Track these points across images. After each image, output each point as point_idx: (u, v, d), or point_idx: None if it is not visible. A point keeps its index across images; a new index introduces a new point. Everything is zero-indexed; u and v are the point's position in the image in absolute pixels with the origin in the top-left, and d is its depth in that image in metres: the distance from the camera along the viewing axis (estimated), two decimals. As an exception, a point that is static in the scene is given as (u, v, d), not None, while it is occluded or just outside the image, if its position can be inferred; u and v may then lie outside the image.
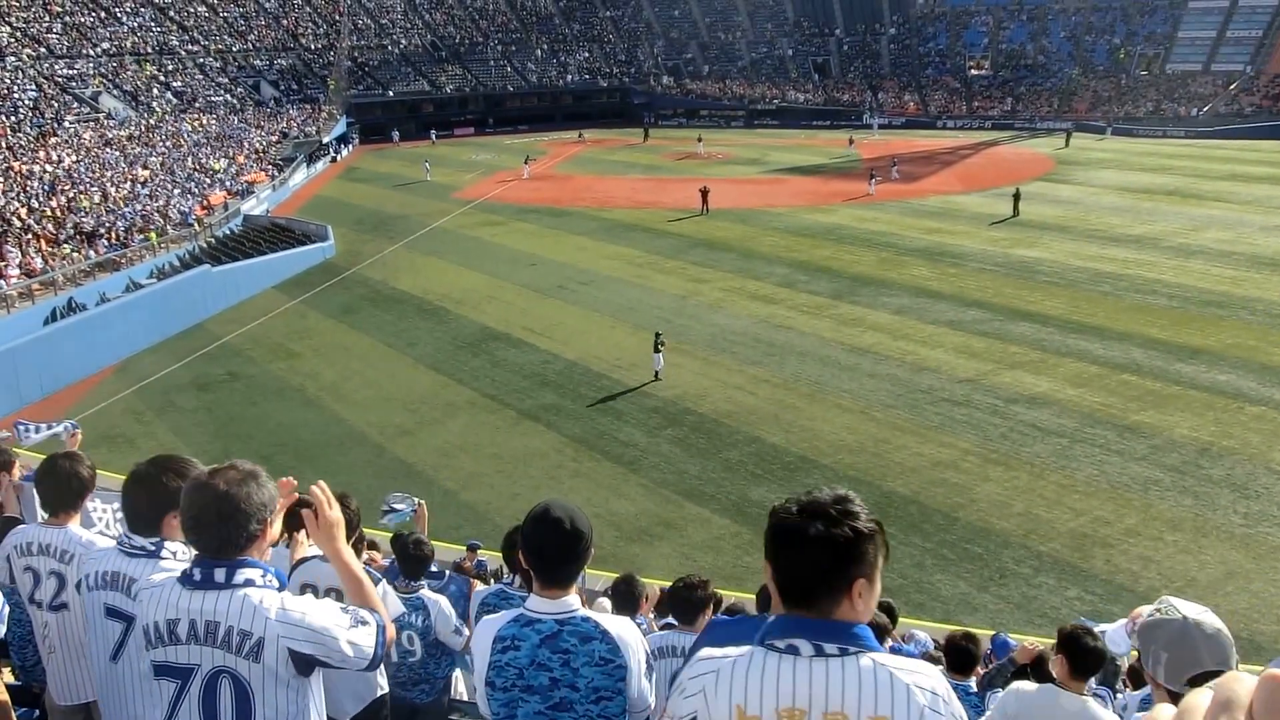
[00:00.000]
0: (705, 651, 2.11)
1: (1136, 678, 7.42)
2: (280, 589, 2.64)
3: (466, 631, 5.46)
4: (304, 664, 2.55)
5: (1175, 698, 2.29)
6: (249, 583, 2.56)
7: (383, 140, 68.25)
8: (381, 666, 4.79)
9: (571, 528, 2.77)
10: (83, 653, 3.93)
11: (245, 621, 2.51)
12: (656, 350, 21.48)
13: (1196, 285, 27.51)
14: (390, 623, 2.77)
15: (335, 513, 2.77)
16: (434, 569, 7.20)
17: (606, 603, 7.99)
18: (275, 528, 2.71)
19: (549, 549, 2.80)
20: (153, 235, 32.04)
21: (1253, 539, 14.41)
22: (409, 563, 5.66)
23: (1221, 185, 43.80)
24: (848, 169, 51.15)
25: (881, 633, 6.48)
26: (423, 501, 8.14)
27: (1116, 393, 19.93)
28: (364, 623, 2.64)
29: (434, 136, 67.94)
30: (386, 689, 4.79)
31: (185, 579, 2.59)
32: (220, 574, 2.56)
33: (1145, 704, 6.23)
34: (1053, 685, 4.68)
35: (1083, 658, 4.62)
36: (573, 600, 2.84)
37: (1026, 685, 4.81)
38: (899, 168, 47.92)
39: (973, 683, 6.04)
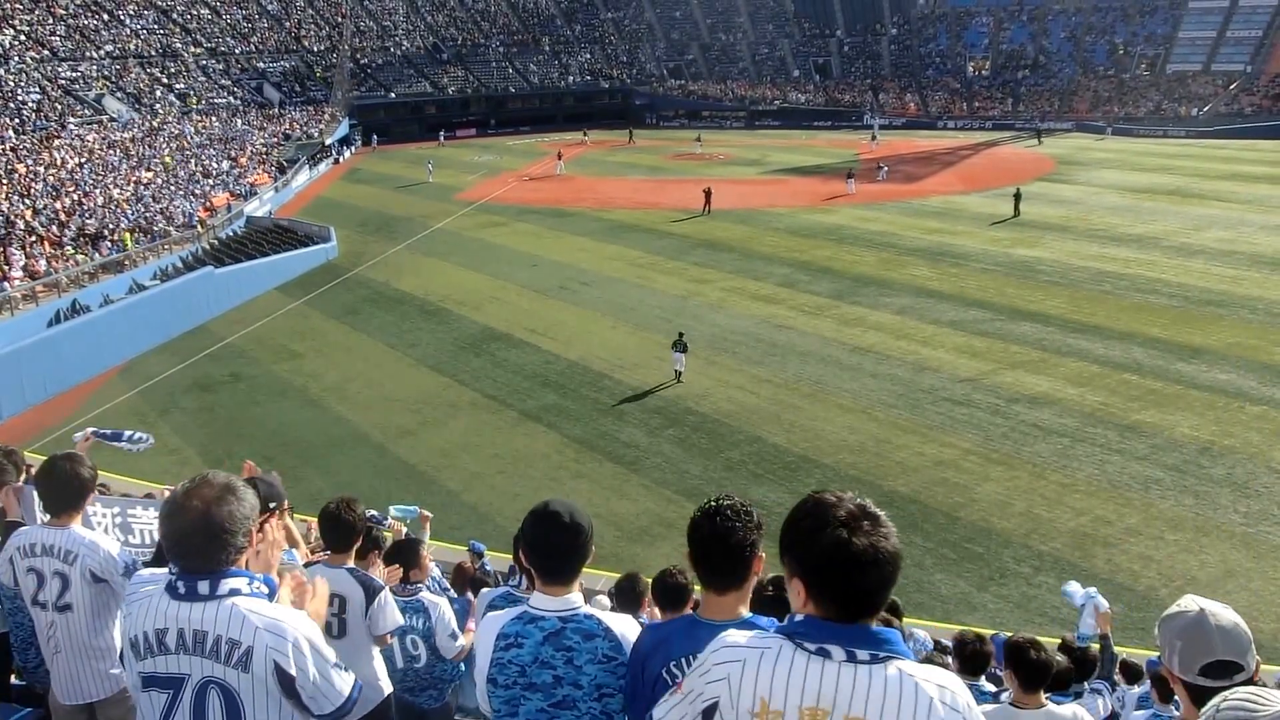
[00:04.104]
0: (731, 636, 2.16)
1: (1130, 673, 7.45)
2: (270, 595, 2.63)
3: (462, 641, 5.37)
4: (289, 684, 2.51)
5: (1192, 691, 2.32)
6: (234, 592, 2.54)
7: (369, 144, 66.54)
8: (385, 666, 4.79)
9: (571, 521, 2.80)
10: (87, 653, 3.95)
11: (234, 630, 2.48)
12: (676, 350, 21.34)
13: (1197, 284, 27.51)
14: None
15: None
16: (436, 574, 7.13)
17: (605, 600, 8.03)
18: (253, 536, 2.68)
19: (549, 544, 2.82)
20: (126, 237, 31.50)
21: (1253, 538, 14.42)
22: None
23: (1222, 185, 43.77)
24: (845, 169, 51.10)
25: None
26: (430, 515, 8.27)
27: (1117, 392, 19.94)
28: (346, 670, 2.64)
29: (442, 137, 68.17)
30: (391, 689, 4.76)
31: (171, 590, 2.56)
32: (204, 586, 2.53)
33: (1144, 702, 6.27)
34: (1008, 706, 4.57)
35: (1030, 671, 4.52)
36: (575, 598, 2.86)
37: (985, 707, 4.77)
38: (887, 170, 47.90)
39: (983, 680, 6.04)
